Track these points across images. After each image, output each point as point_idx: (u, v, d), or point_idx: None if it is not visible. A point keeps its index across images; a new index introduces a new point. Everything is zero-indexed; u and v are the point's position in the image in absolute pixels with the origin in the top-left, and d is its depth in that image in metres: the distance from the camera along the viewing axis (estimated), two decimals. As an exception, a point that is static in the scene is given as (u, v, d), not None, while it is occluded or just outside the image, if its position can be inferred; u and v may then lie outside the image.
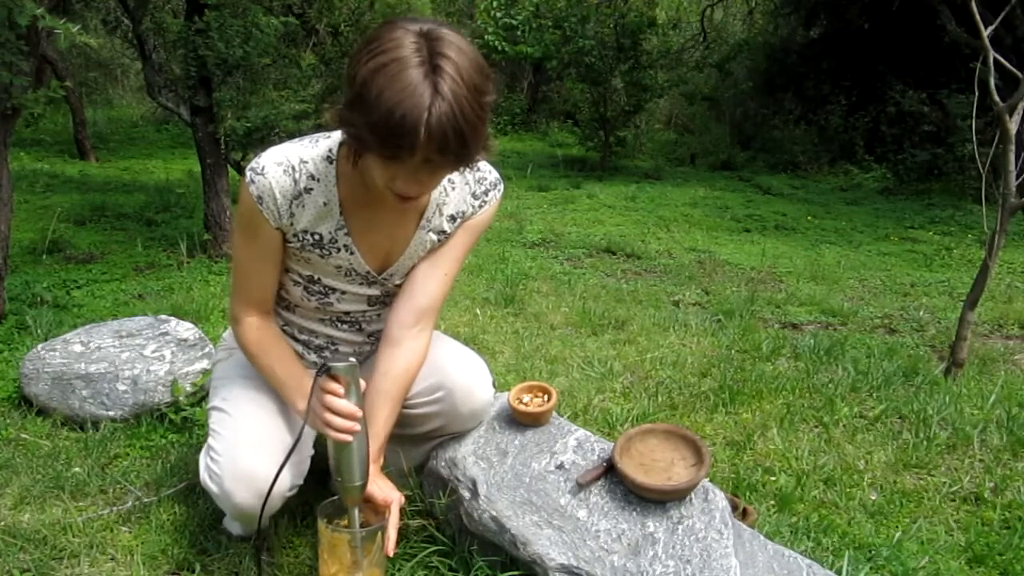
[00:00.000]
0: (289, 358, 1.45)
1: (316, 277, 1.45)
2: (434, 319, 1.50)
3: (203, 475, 1.41)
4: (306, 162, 1.33)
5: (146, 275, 3.68)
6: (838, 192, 7.69)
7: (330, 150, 1.34)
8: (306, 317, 1.54)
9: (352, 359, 1.28)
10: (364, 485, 1.32)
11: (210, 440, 1.42)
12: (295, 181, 1.32)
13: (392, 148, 1.11)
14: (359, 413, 1.26)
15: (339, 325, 1.55)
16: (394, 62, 1.08)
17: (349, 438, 1.26)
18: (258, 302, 1.45)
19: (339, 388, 1.25)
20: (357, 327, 1.56)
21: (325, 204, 1.35)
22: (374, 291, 1.50)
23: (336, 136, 1.35)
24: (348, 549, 1.31)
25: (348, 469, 1.29)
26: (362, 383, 1.30)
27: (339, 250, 1.40)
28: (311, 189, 1.34)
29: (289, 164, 1.32)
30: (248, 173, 1.32)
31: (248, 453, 1.36)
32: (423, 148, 1.10)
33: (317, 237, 1.38)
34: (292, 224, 1.35)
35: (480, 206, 1.46)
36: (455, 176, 1.43)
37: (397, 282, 1.49)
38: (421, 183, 1.21)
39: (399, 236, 1.44)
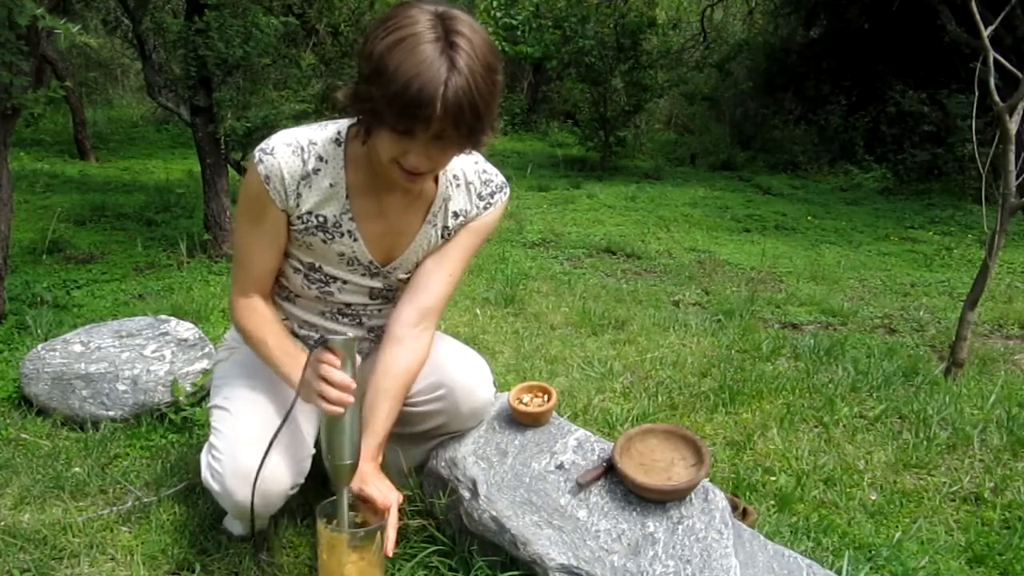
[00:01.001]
0: (284, 335, 1.45)
1: (317, 265, 1.46)
2: (436, 319, 1.50)
3: (205, 473, 1.41)
4: (315, 143, 1.35)
5: (146, 275, 3.68)
6: (838, 192, 7.69)
7: (339, 132, 1.36)
8: (306, 308, 1.54)
9: (350, 333, 1.27)
10: (355, 465, 1.30)
11: (212, 438, 1.42)
12: (304, 162, 1.34)
13: (408, 120, 1.13)
14: (353, 385, 1.25)
15: (339, 318, 1.55)
16: (411, 37, 1.11)
17: (341, 410, 1.24)
18: (258, 285, 1.45)
19: (335, 360, 1.24)
20: (357, 321, 1.56)
21: (331, 186, 1.36)
22: (376, 283, 1.50)
23: (344, 120, 1.36)
24: (347, 549, 1.31)
25: (339, 446, 1.28)
26: (358, 359, 1.29)
27: (342, 235, 1.41)
28: (319, 170, 1.35)
29: (298, 145, 1.34)
30: (257, 153, 1.33)
31: (250, 451, 1.36)
32: (439, 121, 1.12)
33: (321, 219, 1.39)
34: (298, 205, 1.36)
35: (485, 208, 1.47)
36: (461, 174, 1.45)
37: (401, 276, 1.50)
38: (431, 159, 1.23)
39: (404, 228, 1.44)
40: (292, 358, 1.38)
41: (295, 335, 1.55)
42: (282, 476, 1.37)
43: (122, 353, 2.21)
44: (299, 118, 4.38)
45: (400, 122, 1.14)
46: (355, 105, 1.23)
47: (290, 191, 1.34)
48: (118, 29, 6.71)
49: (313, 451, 1.47)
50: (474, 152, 1.41)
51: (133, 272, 3.71)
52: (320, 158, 1.35)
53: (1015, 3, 3.97)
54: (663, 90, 8.73)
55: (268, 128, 3.91)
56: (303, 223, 1.39)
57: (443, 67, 1.10)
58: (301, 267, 1.47)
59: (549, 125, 11.25)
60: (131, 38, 5.42)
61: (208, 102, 3.82)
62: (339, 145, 1.36)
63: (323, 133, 1.36)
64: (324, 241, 1.41)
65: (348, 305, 1.53)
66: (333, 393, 1.23)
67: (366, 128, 1.25)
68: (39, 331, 2.71)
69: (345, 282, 1.48)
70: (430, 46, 1.10)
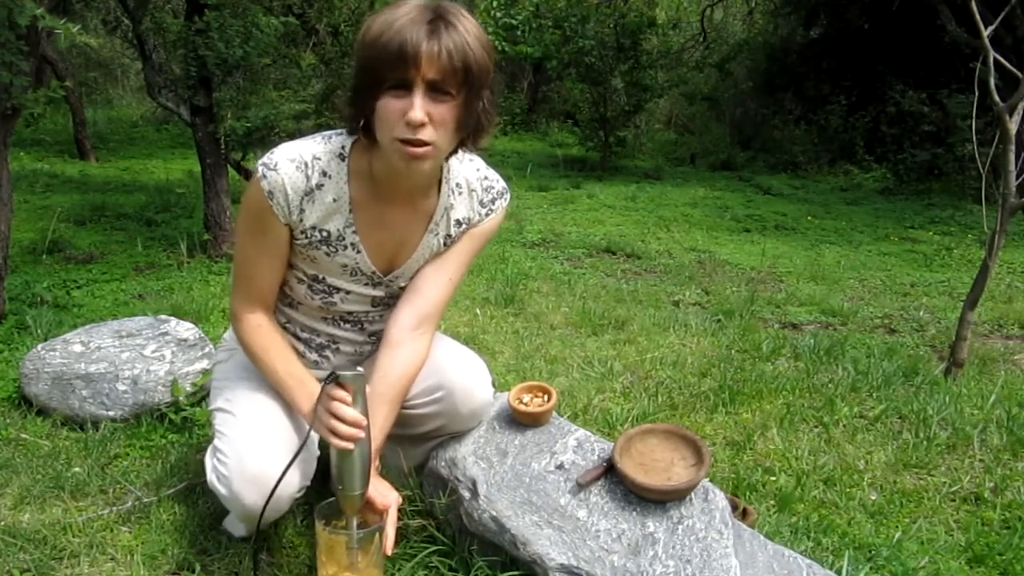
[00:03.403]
0: (291, 359, 1.45)
1: (321, 276, 1.45)
2: (435, 323, 1.50)
3: (210, 477, 1.40)
4: (319, 158, 1.34)
5: (146, 275, 3.68)
6: (838, 192, 7.69)
7: (343, 147, 1.36)
8: (308, 315, 1.54)
9: (360, 368, 1.29)
10: (364, 495, 1.33)
11: (216, 442, 1.42)
12: (307, 178, 1.33)
13: (398, 65, 1.17)
14: (364, 421, 1.27)
15: (341, 324, 1.55)
16: (397, 9, 1.18)
17: (351, 446, 1.26)
18: (261, 299, 1.45)
19: (346, 396, 1.26)
20: (359, 327, 1.56)
21: (335, 200, 1.36)
22: (378, 292, 1.50)
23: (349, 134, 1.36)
24: (346, 550, 1.31)
25: (349, 478, 1.30)
26: (369, 389, 1.31)
27: (346, 248, 1.41)
28: (322, 185, 1.35)
29: (302, 160, 1.33)
30: (260, 168, 1.33)
31: (256, 454, 1.36)
32: (426, 61, 1.15)
33: (325, 234, 1.39)
34: (301, 220, 1.36)
35: (487, 214, 1.48)
36: (464, 182, 1.45)
37: (402, 284, 1.50)
38: (431, 116, 1.20)
39: (407, 238, 1.44)
40: (300, 383, 1.39)
41: (296, 337, 1.56)
42: (289, 479, 1.37)
43: (122, 353, 2.21)
44: (299, 118, 4.39)
45: (392, 71, 1.17)
46: (355, 96, 1.25)
47: (293, 206, 1.34)
48: (118, 29, 6.71)
49: (318, 453, 1.47)
50: (476, 157, 1.42)
51: (133, 272, 3.71)
52: (324, 173, 1.34)
53: (1015, 3, 3.97)
54: (663, 90, 8.73)
55: (268, 128, 3.92)
56: (307, 238, 1.39)
57: (428, 15, 1.17)
58: (305, 278, 1.47)
59: (549, 125, 11.24)
60: (131, 38, 5.42)
61: (208, 102, 3.82)
62: (343, 160, 1.35)
63: (327, 147, 1.36)
64: (328, 254, 1.41)
65: (350, 313, 1.53)
66: (344, 430, 1.25)
67: (365, 116, 1.26)
68: (39, 331, 2.71)
69: (348, 292, 1.48)
70: (416, 9, 1.17)
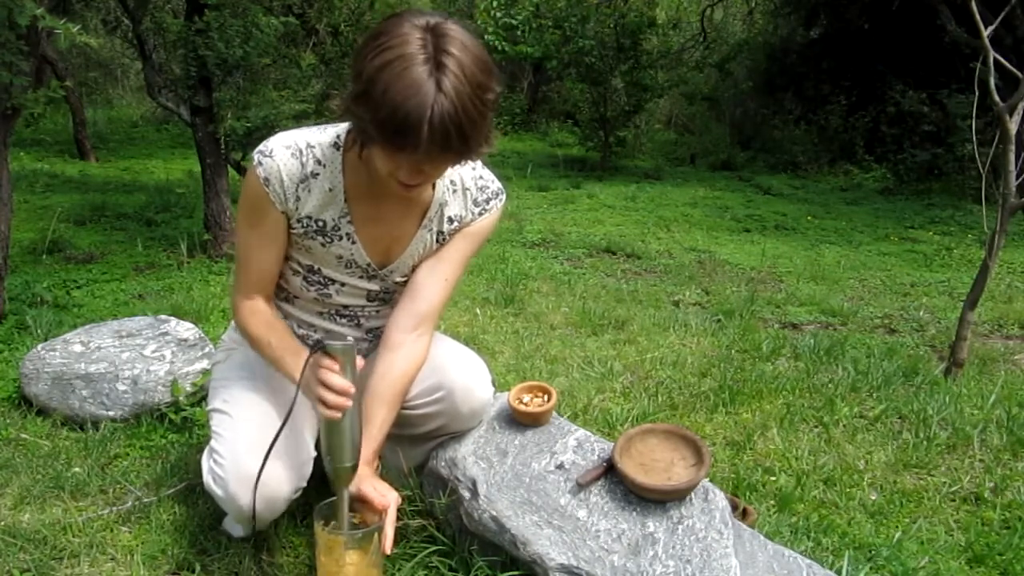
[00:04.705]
0: (287, 333, 1.45)
1: (316, 267, 1.46)
2: (434, 324, 1.50)
3: (207, 478, 1.40)
4: (313, 147, 1.35)
5: (146, 275, 3.68)
6: (838, 192, 7.69)
7: (338, 136, 1.36)
8: (305, 309, 1.54)
9: (350, 339, 1.28)
10: (355, 467, 1.31)
11: (212, 443, 1.42)
12: (302, 164, 1.34)
13: (396, 144, 1.14)
14: (352, 389, 1.25)
15: (337, 319, 1.55)
16: (399, 59, 1.09)
17: (339, 414, 1.25)
18: (260, 287, 1.46)
19: (334, 365, 1.25)
20: (355, 322, 1.56)
21: (330, 190, 1.37)
22: (373, 286, 1.50)
23: (344, 124, 1.36)
24: (344, 551, 1.31)
25: (339, 449, 1.29)
26: (360, 361, 1.29)
27: (341, 239, 1.41)
28: (317, 174, 1.35)
29: (297, 148, 1.34)
30: (256, 155, 1.34)
31: (252, 455, 1.35)
32: (426, 144, 1.11)
33: (321, 224, 1.39)
34: (297, 208, 1.37)
35: (480, 214, 1.47)
36: (459, 180, 1.45)
37: (397, 279, 1.50)
38: (424, 173, 1.24)
39: (402, 232, 1.44)
40: (295, 356, 1.38)
41: (294, 335, 1.55)
42: (284, 481, 1.37)
43: (122, 353, 2.21)
44: (299, 118, 4.39)
45: (389, 145, 1.15)
46: (348, 120, 1.24)
47: (289, 193, 1.35)
48: (118, 29, 6.72)
49: (314, 454, 1.47)
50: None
51: (133, 272, 3.71)
52: (319, 162, 1.35)
53: (1015, 3, 3.97)
54: (663, 90, 8.73)
55: (268, 128, 3.92)
56: (303, 227, 1.39)
57: (430, 91, 1.08)
58: (300, 269, 1.47)
59: (549, 125, 11.24)
60: (131, 38, 5.43)
61: (208, 102, 3.82)
62: (338, 150, 1.36)
63: (322, 136, 1.36)
64: (323, 244, 1.42)
65: (346, 307, 1.53)
66: (331, 398, 1.24)
67: (360, 141, 1.26)
68: (39, 331, 2.71)
69: (343, 284, 1.49)
70: (418, 68, 1.08)
